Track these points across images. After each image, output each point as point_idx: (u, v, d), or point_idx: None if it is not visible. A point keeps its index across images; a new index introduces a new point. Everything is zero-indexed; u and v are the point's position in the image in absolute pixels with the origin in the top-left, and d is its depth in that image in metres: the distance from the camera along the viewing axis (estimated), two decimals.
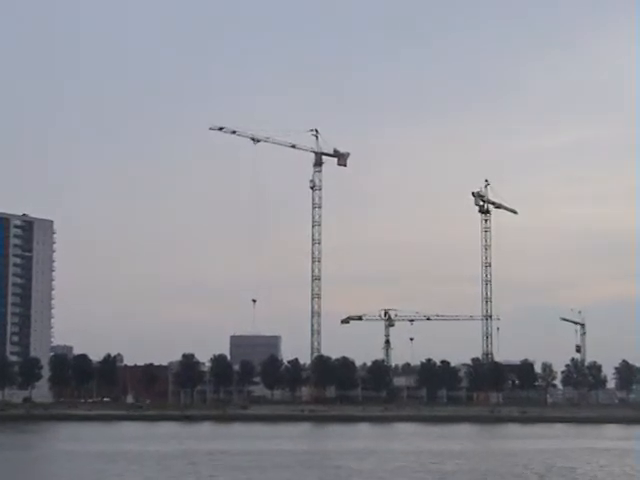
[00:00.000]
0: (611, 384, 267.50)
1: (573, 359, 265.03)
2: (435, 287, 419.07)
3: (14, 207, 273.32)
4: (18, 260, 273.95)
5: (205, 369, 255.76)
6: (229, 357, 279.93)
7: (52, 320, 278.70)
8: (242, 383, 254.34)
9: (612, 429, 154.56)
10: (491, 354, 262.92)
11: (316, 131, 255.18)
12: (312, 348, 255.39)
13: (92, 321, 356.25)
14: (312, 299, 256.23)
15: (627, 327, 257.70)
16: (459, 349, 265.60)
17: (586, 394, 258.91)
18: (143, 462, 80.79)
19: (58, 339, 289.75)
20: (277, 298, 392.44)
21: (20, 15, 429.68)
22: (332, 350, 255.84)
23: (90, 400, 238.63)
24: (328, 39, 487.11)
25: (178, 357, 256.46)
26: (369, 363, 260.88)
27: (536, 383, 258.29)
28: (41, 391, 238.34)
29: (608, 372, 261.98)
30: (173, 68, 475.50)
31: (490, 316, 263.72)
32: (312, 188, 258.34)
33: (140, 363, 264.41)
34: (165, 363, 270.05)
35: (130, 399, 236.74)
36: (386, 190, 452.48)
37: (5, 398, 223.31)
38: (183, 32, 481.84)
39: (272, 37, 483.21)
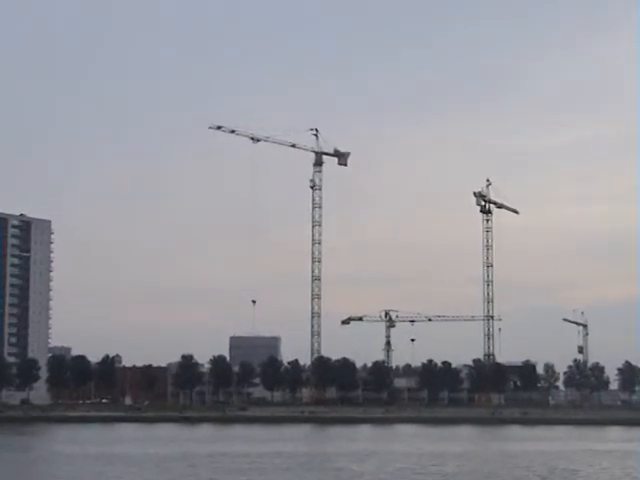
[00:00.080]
0: (614, 385, 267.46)
1: (575, 360, 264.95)
2: (436, 287, 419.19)
3: (12, 207, 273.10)
4: (16, 260, 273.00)
5: (204, 370, 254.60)
6: (228, 358, 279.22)
7: (50, 321, 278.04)
8: (242, 384, 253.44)
9: (615, 431, 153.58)
10: (492, 355, 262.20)
11: (316, 131, 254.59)
12: (312, 349, 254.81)
13: (90, 322, 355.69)
14: (312, 300, 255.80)
15: (630, 328, 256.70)
16: (460, 350, 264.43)
17: (588, 395, 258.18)
18: (142, 464, 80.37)
19: (56, 340, 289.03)
20: (277, 299, 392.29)
21: (20, 15, 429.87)
22: (332, 351, 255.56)
23: (88, 401, 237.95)
24: (328, 39, 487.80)
25: (177, 358, 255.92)
26: (370, 364, 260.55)
27: (538, 384, 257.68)
28: (39, 392, 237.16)
29: (611, 373, 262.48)
30: (173, 68, 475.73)
31: (492, 317, 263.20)
32: (312, 188, 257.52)
33: (139, 364, 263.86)
34: (164, 364, 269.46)
35: (129, 400, 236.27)
36: (386, 190, 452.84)
37: (3, 400, 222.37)
38: (183, 32, 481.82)
39: (272, 37, 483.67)
